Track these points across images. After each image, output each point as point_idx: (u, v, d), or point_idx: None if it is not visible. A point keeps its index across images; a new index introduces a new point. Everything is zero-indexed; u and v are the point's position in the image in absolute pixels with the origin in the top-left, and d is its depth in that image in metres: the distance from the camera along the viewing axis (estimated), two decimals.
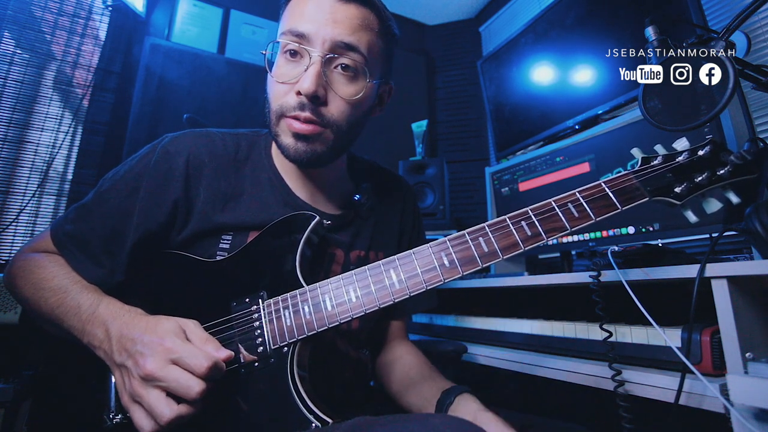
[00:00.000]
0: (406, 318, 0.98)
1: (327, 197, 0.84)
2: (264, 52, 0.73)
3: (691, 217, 0.66)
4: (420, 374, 0.83)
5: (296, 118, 0.70)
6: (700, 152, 0.66)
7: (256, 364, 0.64)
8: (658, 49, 0.74)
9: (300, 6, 0.71)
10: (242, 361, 0.65)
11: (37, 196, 1.76)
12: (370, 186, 0.86)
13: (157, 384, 0.55)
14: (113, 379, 0.67)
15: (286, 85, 0.70)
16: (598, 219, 0.62)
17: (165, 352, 0.56)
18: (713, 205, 0.66)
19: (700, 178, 0.64)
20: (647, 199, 0.64)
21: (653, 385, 0.71)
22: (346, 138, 0.75)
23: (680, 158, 0.66)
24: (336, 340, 0.80)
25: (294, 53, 0.70)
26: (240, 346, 0.65)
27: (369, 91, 0.74)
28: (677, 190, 0.64)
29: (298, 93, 0.69)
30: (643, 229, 1.11)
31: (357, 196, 0.84)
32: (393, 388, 0.86)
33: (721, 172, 0.64)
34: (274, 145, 0.84)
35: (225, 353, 0.59)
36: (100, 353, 0.62)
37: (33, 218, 1.76)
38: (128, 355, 0.58)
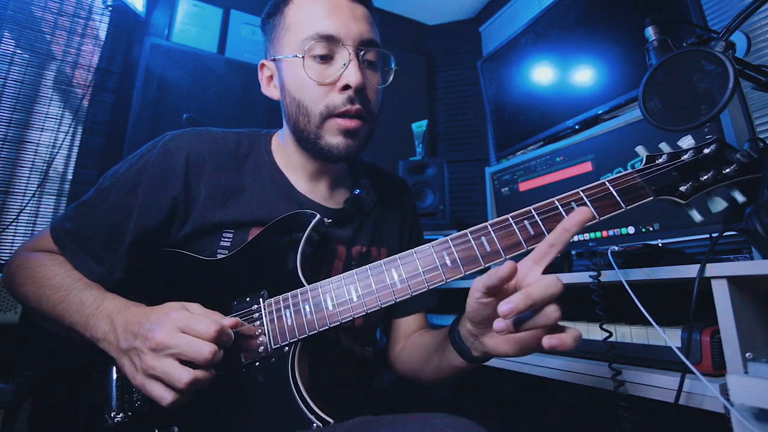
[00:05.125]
0: (423, 313, 0.95)
1: (328, 193, 0.84)
2: (300, 56, 0.72)
3: (696, 216, 0.65)
4: (435, 338, 0.80)
5: (346, 113, 0.72)
6: (706, 150, 0.65)
7: (257, 363, 0.64)
8: (658, 49, 0.74)
9: (312, 9, 0.73)
10: (243, 360, 0.65)
11: (37, 196, 1.76)
12: (369, 181, 0.87)
13: (169, 352, 0.56)
14: (114, 376, 0.67)
15: (325, 87, 0.72)
16: (601, 218, 0.61)
17: (172, 322, 0.57)
18: (719, 204, 0.65)
19: (705, 177, 0.63)
20: (652, 198, 0.63)
21: (653, 385, 0.71)
22: (377, 123, 0.80)
23: (685, 156, 0.65)
24: (339, 337, 0.80)
25: (324, 56, 0.72)
26: (241, 345, 0.65)
27: (390, 72, 0.80)
28: (682, 189, 0.63)
29: (343, 89, 0.71)
30: (643, 229, 1.11)
31: (357, 191, 0.84)
32: (412, 366, 0.84)
33: (727, 170, 0.63)
34: (274, 143, 0.85)
35: (230, 320, 0.60)
36: (104, 345, 0.62)
37: (33, 218, 1.76)
38: (135, 337, 0.58)
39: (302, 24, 0.73)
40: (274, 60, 0.79)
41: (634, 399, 0.73)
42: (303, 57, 0.72)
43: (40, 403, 0.74)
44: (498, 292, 0.56)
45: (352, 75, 0.71)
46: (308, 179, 0.82)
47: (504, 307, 0.51)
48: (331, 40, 0.71)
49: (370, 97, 0.76)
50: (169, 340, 0.56)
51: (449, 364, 0.71)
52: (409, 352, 0.87)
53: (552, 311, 0.52)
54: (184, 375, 0.55)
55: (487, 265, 0.61)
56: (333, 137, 0.74)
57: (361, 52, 0.73)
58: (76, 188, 1.84)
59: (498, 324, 0.53)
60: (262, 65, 0.82)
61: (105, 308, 0.64)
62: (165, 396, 0.56)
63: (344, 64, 0.71)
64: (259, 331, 0.66)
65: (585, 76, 1.44)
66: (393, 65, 0.80)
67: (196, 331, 0.56)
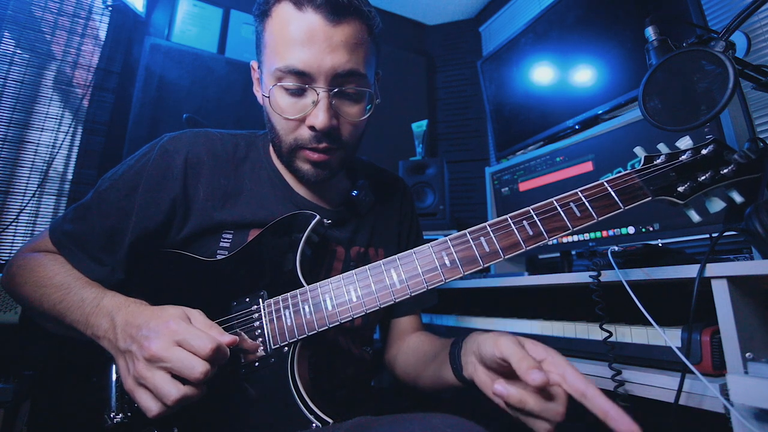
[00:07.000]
0: (418, 313, 0.96)
1: (326, 194, 0.84)
2: (266, 95, 0.72)
3: (694, 216, 0.65)
4: (434, 347, 0.81)
5: (314, 149, 0.71)
6: (704, 151, 0.65)
7: (257, 364, 0.64)
8: (658, 49, 0.74)
9: (288, 33, 0.67)
10: (243, 361, 0.65)
11: (37, 196, 1.76)
12: (366, 182, 0.87)
13: (161, 365, 0.55)
14: (113, 377, 0.67)
15: (294, 121, 0.71)
16: (600, 219, 0.61)
17: (170, 334, 0.56)
18: (716, 205, 0.65)
19: (703, 178, 0.64)
20: (650, 198, 0.63)
21: (653, 385, 0.71)
22: (356, 149, 0.78)
23: (683, 157, 0.66)
24: (338, 338, 0.80)
25: (295, 90, 0.69)
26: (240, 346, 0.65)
27: (372, 103, 0.75)
28: (680, 189, 0.64)
29: (311, 127, 0.69)
30: (643, 229, 1.11)
31: (355, 192, 0.84)
32: (409, 372, 0.84)
33: (725, 171, 0.64)
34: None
35: (229, 338, 0.59)
36: (104, 343, 0.62)
37: (33, 218, 1.76)
38: (133, 341, 0.58)
39: (276, 48, 0.68)
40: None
41: (634, 399, 0.73)
42: (272, 87, 0.70)
43: (40, 403, 0.73)
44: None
45: (318, 118, 0.68)
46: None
47: (498, 388, 0.53)
48: (301, 75, 0.67)
49: (343, 132, 0.73)
50: (163, 353, 0.55)
51: (444, 379, 0.71)
52: (406, 357, 0.87)
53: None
54: (172, 391, 0.54)
55: (486, 266, 0.61)
56: (303, 164, 0.74)
57: (334, 90, 0.68)
58: (76, 188, 1.84)
59: (497, 387, 0.54)
60: (254, 67, 0.82)
61: (105, 306, 0.63)
62: (151, 407, 0.55)
63: (313, 102, 0.68)
64: (259, 331, 0.66)
65: (585, 76, 1.44)
66: (377, 98, 0.75)
67: (192, 347, 0.55)
